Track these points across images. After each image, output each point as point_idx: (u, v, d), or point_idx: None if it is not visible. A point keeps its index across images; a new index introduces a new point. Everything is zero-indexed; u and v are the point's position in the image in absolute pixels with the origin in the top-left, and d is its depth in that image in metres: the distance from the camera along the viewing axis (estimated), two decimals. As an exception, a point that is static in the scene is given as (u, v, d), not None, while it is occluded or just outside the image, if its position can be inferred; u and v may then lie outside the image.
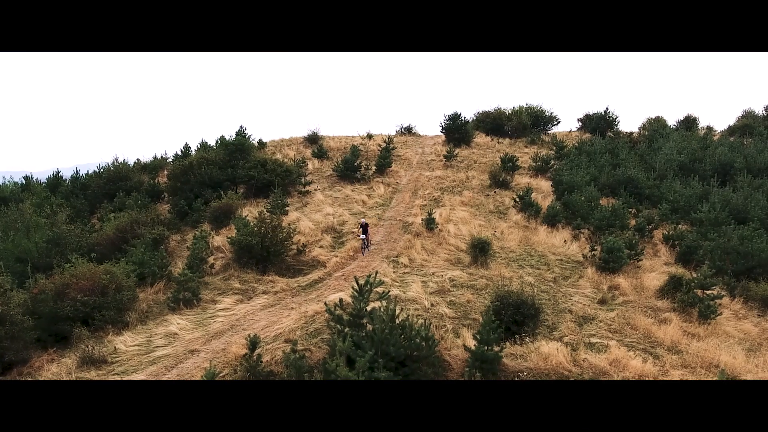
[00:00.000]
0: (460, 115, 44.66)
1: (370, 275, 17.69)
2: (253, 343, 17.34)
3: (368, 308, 17.36)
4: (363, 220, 28.62)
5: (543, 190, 35.57)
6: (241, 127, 38.73)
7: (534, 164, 39.41)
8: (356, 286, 17.56)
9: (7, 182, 41.76)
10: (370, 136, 46.61)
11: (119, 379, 17.72)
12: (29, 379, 18.48)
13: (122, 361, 18.98)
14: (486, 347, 16.54)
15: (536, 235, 28.99)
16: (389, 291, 17.92)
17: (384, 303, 17.43)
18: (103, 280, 22.05)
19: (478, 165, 40.12)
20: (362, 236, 27.75)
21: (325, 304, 18.20)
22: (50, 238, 28.76)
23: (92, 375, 18.06)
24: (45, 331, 21.23)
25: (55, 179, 44.05)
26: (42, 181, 44.34)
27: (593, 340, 18.90)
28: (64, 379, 17.90)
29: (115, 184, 39.65)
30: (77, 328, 20.18)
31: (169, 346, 19.73)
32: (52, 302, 21.62)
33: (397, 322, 16.92)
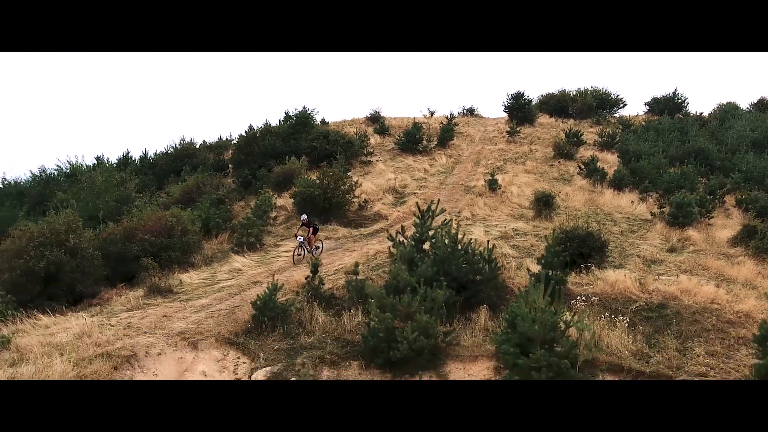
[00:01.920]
0: (523, 93, 44.17)
1: (432, 201, 17.57)
2: (315, 266, 17.39)
3: (430, 233, 17.23)
4: (304, 216, 22.37)
5: (609, 162, 34.76)
6: (304, 107, 39.16)
7: (600, 139, 38.58)
8: (418, 212, 17.46)
9: (80, 162, 43.16)
10: (432, 113, 46.49)
11: (184, 302, 18.02)
12: (97, 309, 18.91)
13: (187, 291, 19.32)
14: (550, 270, 16.17)
15: (602, 197, 28.36)
16: (451, 219, 17.70)
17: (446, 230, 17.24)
18: (169, 221, 22.53)
19: (542, 141, 39.53)
20: (300, 238, 21.45)
21: (387, 231, 18.13)
22: (119, 197, 29.61)
23: (158, 302, 18.40)
24: (114, 270, 21.79)
25: (125, 159, 45.32)
26: (113, 162, 45.74)
27: (662, 277, 18.29)
28: (131, 309, 18.25)
29: (182, 161, 40.57)
30: (145, 258, 20.58)
31: (233, 279, 19.99)
32: (121, 244, 22.20)
33: (459, 247, 16.73)
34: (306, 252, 21.44)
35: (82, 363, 13.33)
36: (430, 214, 17.23)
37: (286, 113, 38.71)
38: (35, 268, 19.27)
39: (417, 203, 17.21)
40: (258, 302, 15.85)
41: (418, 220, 17.27)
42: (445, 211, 19.75)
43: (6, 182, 42.24)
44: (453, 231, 16.78)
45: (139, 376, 14.12)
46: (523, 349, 13.04)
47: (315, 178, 27.14)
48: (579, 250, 18.05)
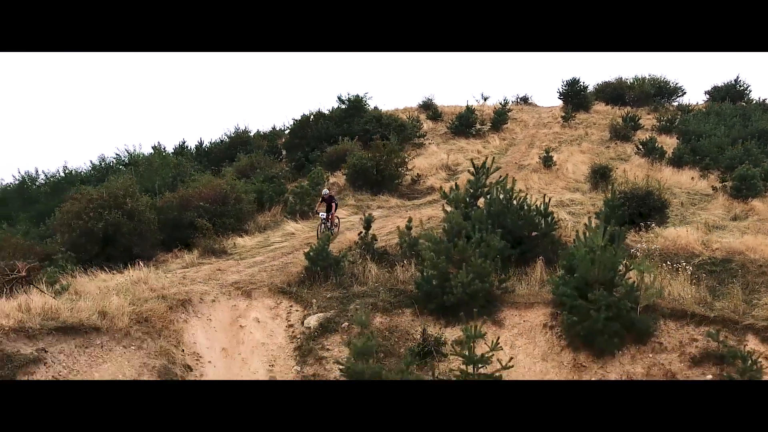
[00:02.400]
0: (578, 80, 43.42)
1: (486, 158, 17.31)
2: (368, 221, 17.30)
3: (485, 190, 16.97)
4: (326, 191, 21.72)
5: (668, 144, 33.87)
6: (357, 94, 39.19)
7: (658, 124, 37.63)
8: (473, 168, 17.23)
9: (137, 150, 44.08)
10: (485, 99, 46.05)
11: (237, 261, 18.11)
12: (153, 268, 19.13)
13: (241, 252, 19.43)
14: (607, 225, 15.72)
15: (661, 174, 27.55)
16: (506, 176, 17.40)
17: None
18: (224, 189, 22.77)
19: (597, 126, 38.78)
20: (322, 215, 20.41)
21: (440, 188, 17.94)
22: (175, 174, 30.12)
23: (213, 261, 18.52)
24: (169, 236, 22.08)
25: (180, 147, 46.13)
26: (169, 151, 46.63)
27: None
28: (186, 267, 18.41)
29: (236, 148, 41.07)
30: (200, 219, 20.79)
31: (286, 242, 20.05)
32: (176, 211, 22.51)
33: (515, 203, 16.44)
34: (328, 229, 19.85)
35: (137, 302, 13.46)
36: (485, 170, 16.96)
37: (339, 97, 38.82)
38: (94, 228, 19.64)
39: (472, 159, 16.95)
40: (311, 253, 15.82)
41: (472, 177, 17.02)
42: (501, 168, 19.43)
43: (67, 171, 43.41)
44: (508, 186, 16.49)
45: (194, 321, 14.21)
46: (582, 293, 12.72)
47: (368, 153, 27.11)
48: (638, 209, 17.57)
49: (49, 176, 41.99)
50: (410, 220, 17.01)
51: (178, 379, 12.32)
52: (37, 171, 40.48)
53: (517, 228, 15.81)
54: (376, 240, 16.97)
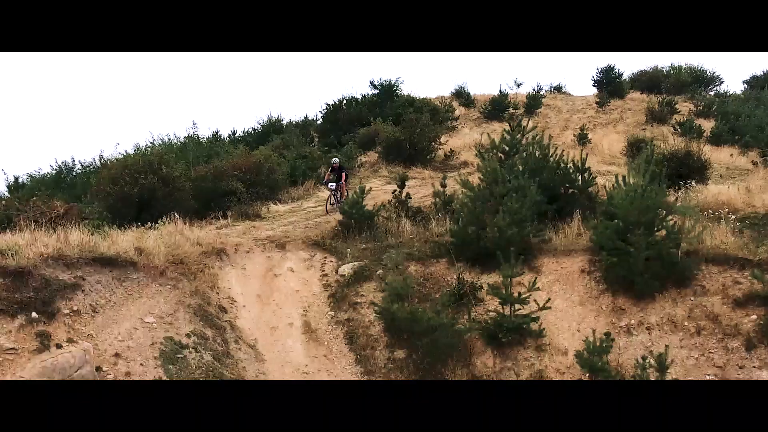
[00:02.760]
0: (613, 67, 42.91)
1: (521, 118, 17.11)
2: (402, 179, 17.21)
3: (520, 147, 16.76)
4: (335, 159, 20.87)
5: (705, 127, 33.27)
6: (389, 79, 39.13)
7: (695, 108, 37.02)
8: (508, 126, 17.05)
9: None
10: (518, 85, 45.71)
11: (271, 221, 18.13)
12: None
13: (275, 218, 19.43)
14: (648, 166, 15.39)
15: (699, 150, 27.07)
16: (542, 133, 17.18)
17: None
18: (258, 158, 22.84)
19: (632, 111, 38.29)
20: (332, 185, 19.40)
21: (475, 145, 17.77)
22: (209, 151, 30.35)
23: (246, 222, 18.55)
24: (204, 205, 22.19)
25: (214, 137, 46.44)
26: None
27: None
28: (221, 228, 18.47)
29: (268, 135, 41.27)
30: (234, 182, 20.86)
31: (319, 207, 20.00)
32: (211, 182, 22.62)
33: (552, 160, 16.21)
34: (337, 202, 18.78)
35: (173, 245, 13.50)
36: (520, 128, 16.79)
37: (372, 83, 38.84)
38: (130, 193, 19.78)
39: (506, 116, 16.76)
40: (345, 207, 15.77)
41: (507, 135, 16.85)
42: (537, 127, 19.20)
43: (103, 160, 43.91)
44: (545, 143, 16.28)
45: (228, 269, 14.24)
46: (621, 235, 12.49)
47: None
48: (677, 170, 17.22)
49: (84, 165, 42.66)
50: (445, 177, 16.89)
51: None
52: (73, 160, 41.08)
53: (554, 183, 15.57)
54: (410, 198, 16.85)
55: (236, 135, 45.74)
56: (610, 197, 13.15)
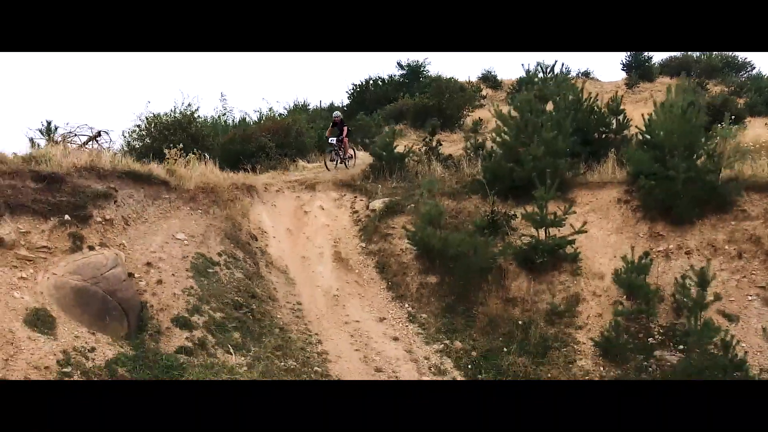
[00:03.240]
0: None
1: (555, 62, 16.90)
2: (433, 127, 17.07)
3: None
4: (337, 113, 20.18)
5: (739, 102, 32.70)
6: (417, 60, 38.97)
7: (726, 89, 36.40)
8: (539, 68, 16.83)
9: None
10: (545, 69, 45.18)
11: (300, 172, 18.02)
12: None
13: (304, 173, 19.35)
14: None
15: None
16: (576, 77, 16.93)
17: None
18: (286, 121, 22.83)
19: (662, 93, 37.69)
20: (332, 140, 18.00)
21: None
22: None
23: (273, 173, 18.46)
24: (233, 166, 22.17)
25: (242, 121, 46.68)
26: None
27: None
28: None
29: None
30: (263, 137, 20.85)
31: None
32: (240, 144, 22.63)
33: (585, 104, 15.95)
34: (339, 159, 17.80)
35: (203, 176, 13.46)
36: (552, 72, 16.56)
37: (399, 63, 38.72)
38: (159, 148, 19.84)
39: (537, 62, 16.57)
40: (376, 148, 15.66)
41: (539, 80, 16.62)
42: (570, 72, 18.94)
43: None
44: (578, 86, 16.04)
45: (258, 205, 14.19)
46: (660, 159, 12.22)
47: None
48: (714, 117, 16.81)
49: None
50: (478, 121, 16.70)
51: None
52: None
53: (588, 128, 15.28)
54: (441, 144, 16.69)
55: (262, 119, 45.96)
56: (647, 124, 12.88)
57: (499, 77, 45.17)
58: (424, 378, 10.29)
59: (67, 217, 9.94)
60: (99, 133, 12.24)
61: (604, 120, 15.57)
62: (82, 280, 9.36)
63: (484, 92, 38.81)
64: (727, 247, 11.57)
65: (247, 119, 43.33)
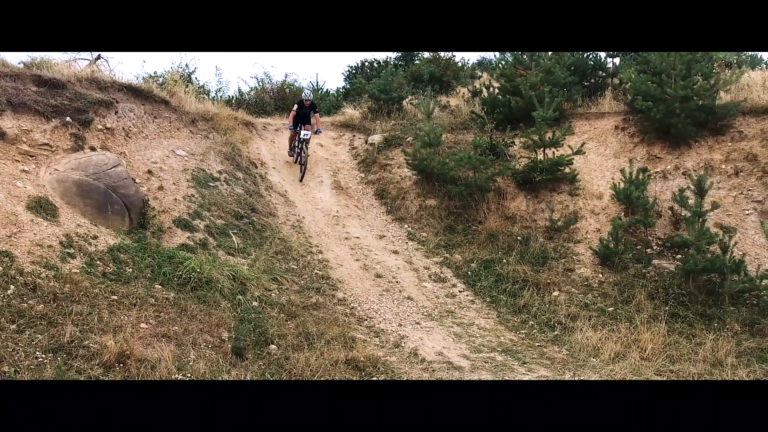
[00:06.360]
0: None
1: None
2: (431, 73, 17.13)
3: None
4: (307, 92, 14.55)
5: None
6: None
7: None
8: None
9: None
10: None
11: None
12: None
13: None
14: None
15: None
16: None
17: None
18: (284, 90, 22.92)
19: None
20: (305, 134, 13.21)
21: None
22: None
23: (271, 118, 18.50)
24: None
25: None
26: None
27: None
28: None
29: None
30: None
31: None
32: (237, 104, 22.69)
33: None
34: (304, 153, 13.26)
35: (202, 106, 13.49)
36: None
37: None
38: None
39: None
40: (375, 90, 15.74)
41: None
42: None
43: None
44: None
45: (257, 140, 14.17)
46: (657, 82, 12.31)
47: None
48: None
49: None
50: (475, 65, 16.75)
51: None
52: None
53: (586, 67, 15.38)
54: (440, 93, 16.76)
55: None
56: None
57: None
58: (424, 284, 10.34)
59: (68, 119, 9.96)
60: (99, 57, 12.25)
61: (601, 63, 15.65)
62: (85, 175, 9.38)
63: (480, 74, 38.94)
64: (723, 166, 11.68)
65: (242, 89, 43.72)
